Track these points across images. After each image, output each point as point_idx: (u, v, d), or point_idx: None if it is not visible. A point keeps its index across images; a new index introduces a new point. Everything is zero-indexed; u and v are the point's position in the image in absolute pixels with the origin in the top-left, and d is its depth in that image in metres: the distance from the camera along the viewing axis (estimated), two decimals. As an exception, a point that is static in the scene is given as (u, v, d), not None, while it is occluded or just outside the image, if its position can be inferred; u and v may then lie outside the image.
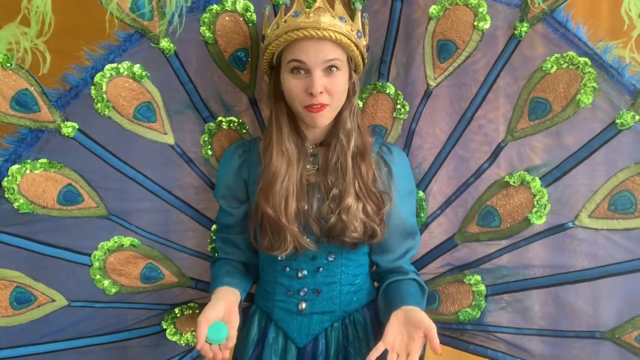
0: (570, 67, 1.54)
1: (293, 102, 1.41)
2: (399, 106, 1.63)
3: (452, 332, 1.70)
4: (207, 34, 1.56)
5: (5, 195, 1.51)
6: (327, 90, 1.38)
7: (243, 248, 1.57)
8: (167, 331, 1.67)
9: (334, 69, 1.39)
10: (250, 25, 1.58)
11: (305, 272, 1.49)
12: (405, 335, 1.31)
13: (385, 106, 1.64)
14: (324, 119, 1.42)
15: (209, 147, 1.63)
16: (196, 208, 1.65)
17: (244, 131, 1.64)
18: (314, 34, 1.35)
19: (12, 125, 1.50)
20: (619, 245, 1.57)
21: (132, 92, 1.55)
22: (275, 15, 1.47)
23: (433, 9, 1.56)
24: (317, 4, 1.37)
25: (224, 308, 1.38)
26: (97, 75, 1.51)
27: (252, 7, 1.57)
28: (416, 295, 1.47)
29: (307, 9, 1.37)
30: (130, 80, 1.54)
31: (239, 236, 1.56)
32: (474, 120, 1.62)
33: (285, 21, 1.38)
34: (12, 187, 1.50)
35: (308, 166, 1.49)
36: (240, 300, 1.47)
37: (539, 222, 1.59)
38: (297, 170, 1.45)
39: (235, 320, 1.38)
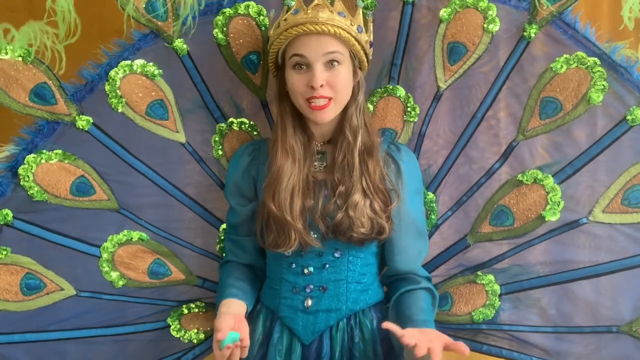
0: (580, 66, 1.55)
1: (296, 97, 1.43)
2: (409, 109, 1.63)
3: (465, 333, 1.66)
4: (220, 36, 1.60)
5: (21, 183, 1.55)
6: (330, 84, 1.40)
7: (250, 251, 1.56)
8: (172, 327, 1.66)
9: (335, 63, 1.40)
10: (263, 28, 1.61)
11: (311, 268, 1.48)
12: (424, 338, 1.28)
13: (396, 109, 1.64)
14: (327, 114, 1.43)
15: (220, 147, 1.65)
16: (205, 207, 1.66)
17: (254, 133, 1.66)
18: (312, 28, 1.38)
19: (30, 116, 1.56)
20: (633, 239, 1.57)
21: (145, 89, 1.59)
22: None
23: (444, 12, 1.58)
24: (315, 1, 1.41)
25: (233, 320, 1.37)
26: (111, 71, 1.56)
27: (264, 11, 1.60)
28: (427, 311, 1.46)
29: (306, 6, 1.40)
30: (144, 77, 1.59)
31: (246, 238, 1.56)
32: (484, 121, 1.62)
33: (285, 19, 1.42)
34: (28, 175, 1.55)
35: (316, 163, 1.50)
36: (247, 312, 1.47)
37: (553, 218, 1.58)
38: (303, 168, 1.46)
39: (245, 328, 1.38)
